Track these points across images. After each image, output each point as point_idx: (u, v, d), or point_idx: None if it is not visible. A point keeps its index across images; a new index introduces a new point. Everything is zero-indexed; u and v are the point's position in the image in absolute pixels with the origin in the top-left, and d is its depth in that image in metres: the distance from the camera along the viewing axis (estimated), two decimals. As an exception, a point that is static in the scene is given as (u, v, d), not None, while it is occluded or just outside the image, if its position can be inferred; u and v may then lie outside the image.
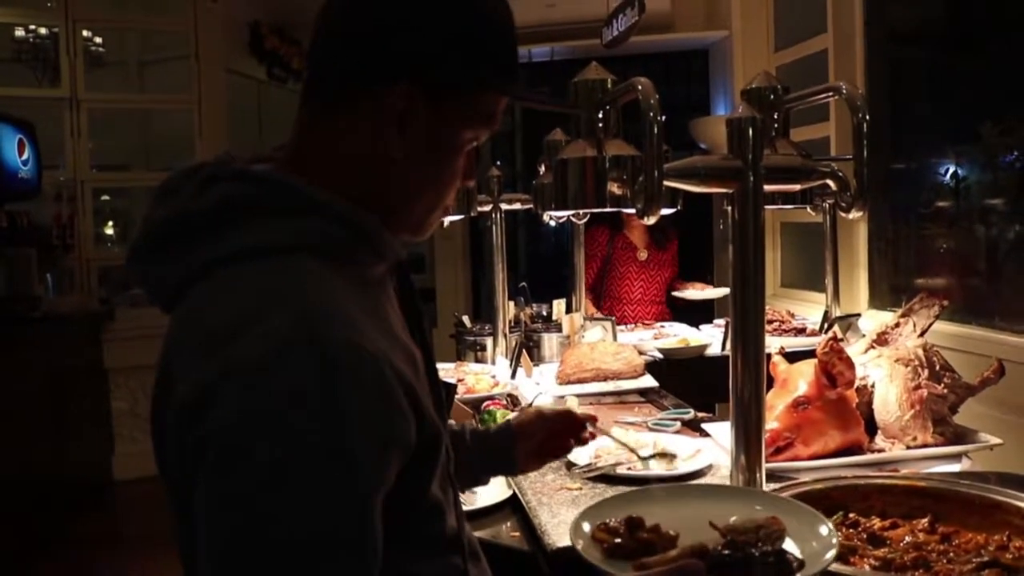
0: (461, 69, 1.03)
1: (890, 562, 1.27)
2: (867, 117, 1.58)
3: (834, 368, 1.84)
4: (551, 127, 2.61)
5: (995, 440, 1.91)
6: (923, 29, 3.71)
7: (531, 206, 3.00)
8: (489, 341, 3.42)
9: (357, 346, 0.87)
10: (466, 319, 3.95)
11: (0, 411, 4.43)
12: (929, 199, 3.55)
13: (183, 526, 0.92)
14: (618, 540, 1.16)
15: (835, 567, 1.19)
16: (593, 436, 1.69)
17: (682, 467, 1.93)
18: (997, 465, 1.86)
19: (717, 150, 4.82)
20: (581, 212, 3.25)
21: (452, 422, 1.57)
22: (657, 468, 1.93)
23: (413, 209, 1.09)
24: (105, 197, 6.79)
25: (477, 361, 3.43)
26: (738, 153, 1.54)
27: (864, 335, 2.36)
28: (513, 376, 2.96)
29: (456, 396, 2.52)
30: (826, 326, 3.43)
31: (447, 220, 3.01)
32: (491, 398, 2.53)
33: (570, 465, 2.00)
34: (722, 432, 2.00)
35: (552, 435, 1.57)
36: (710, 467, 1.96)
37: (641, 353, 3.05)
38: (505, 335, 3.33)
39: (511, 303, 3.46)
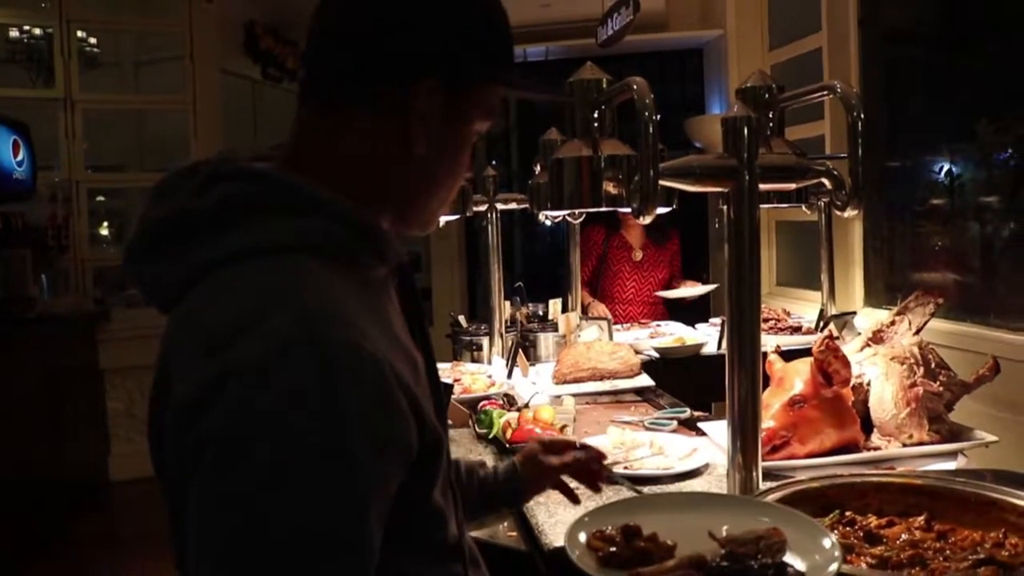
0: (477, 64, 1.06)
1: (887, 560, 1.27)
2: (862, 116, 1.58)
3: (830, 366, 1.84)
4: (547, 127, 2.61)
5: (991, 437, 1.92)
6: (917, 27, 3.71)
7: (527, 206, 3.00)
8: (485, 341, 3.42)
9: (357, 346, 0.87)
10: (462, 319, 3.94)
11: (-4, 412, 4.43)
12: (924, 197, 3.56)
13: (179, 527, 0.91)
14: (613, 549, 1.14)
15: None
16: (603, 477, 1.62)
17: (678, 466, 1.93)
18: (993, 463, 1.86)
19: (712, 149, 4.82)
20: (577, 212, 3.25)
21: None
22: (654, 467, 1.93)
23: (428, 203, 1.11)
24: (100, 198, 6.77)
25: (473, 361, 3.43)
26: (733, 152, 1.55)
27: (860, 333, 2.36)
28: (509, 376, 2.96)
29: (452, 396, 2.52)
30: (822, 324, 3.43)
31: (443, 220, 3.01)
32: (487, 398, 2.53)
33: (567, 464, 2.00)
34: (718, 431, 2.00)
35: (561, 476, 1.55)
36: (707, 466, 1.97)
37: (637, 352, 3.05)
38: (501, 335, 3.33)
39: (507, 303, 3.46)
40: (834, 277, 3.61)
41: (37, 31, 5.85)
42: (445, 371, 2.97)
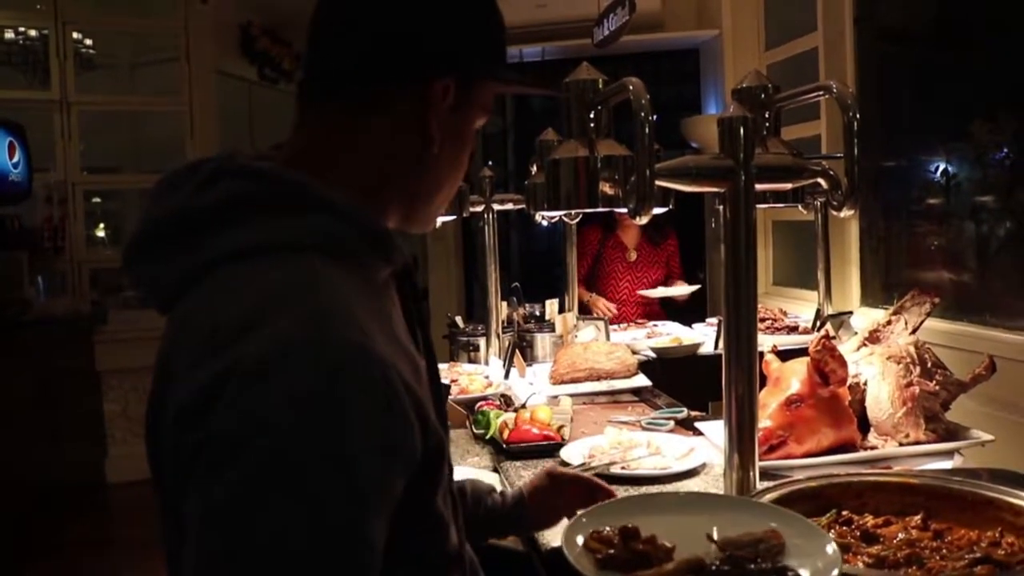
0: (486, 62, 1.08)
1: (883, 559, 1.27)
2: (857, 115, 1.58)
3: (826, 366, 1.84)
4: (543, 127, 2.61)
5: (987, 436, 1.92)
6: (913, 27, 3.72)
7: (523, 206, 3.00)
8: (482, 341, 3.42)
9: (364, 348, 0.85)
10: (459, 319, 3.94)
11: (-8, 415, 4.43)
12: (920, 197, 3.56)
13: (173, 529, 0.90)
14: (611, 551, 1.12)
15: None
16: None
17: (675, 466, 1.93)
18: (989, 461, 1.86)
19: (708, 149, 4.83)
20: (573, 212, 3.25)
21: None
22: (651, 467, 1.93)
23: (434, 202, 1.12)
24: (96, 199, 6.78)
25: (470, 362, 3.43)
26: (729, 152, 1.55)
27: (856, 333, 2.36)
28: (506, 376, 2.96)
29: (449, 397, 2.52)
30: (818, 324, 3.43)
31: (440, 220, 3.01)
32: (485, 399, 2.53)
33: (564, 465, 2.01)
34: (715, 431, 2.00)
35: (570, 505, 1.52)
36: (704, 466, 1.97)
37: (634, 352, 3.05)
38: (498, 335, 3.33)
39: (504, 303, 3.46)
40: (830, 277, 3.61)
41: (33, 32, 5.85)
42: (442, 372, 2.96)
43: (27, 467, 4.73)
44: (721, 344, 1.59)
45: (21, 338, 4.96)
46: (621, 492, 1.70)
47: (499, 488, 1.81)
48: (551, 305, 3.75)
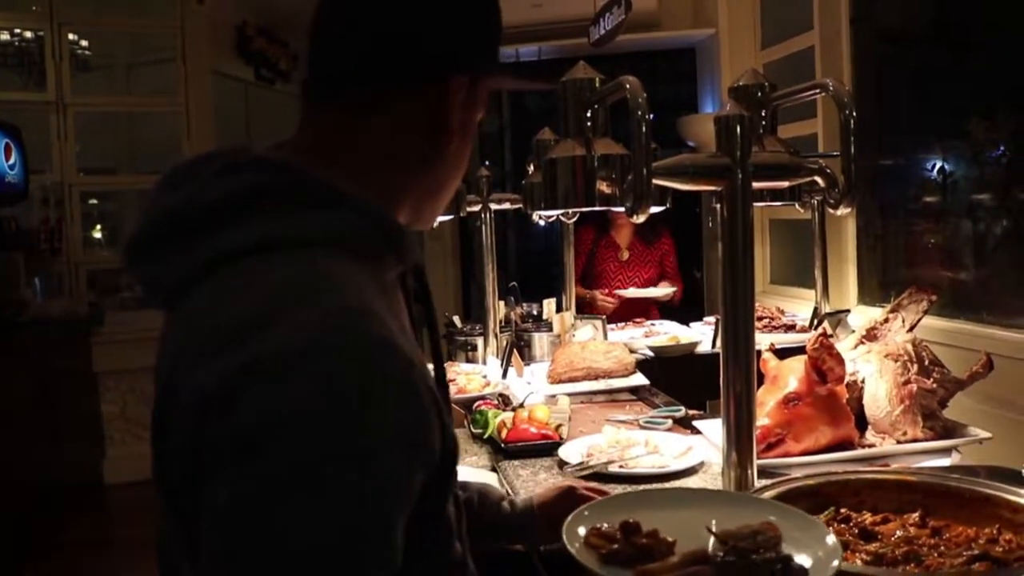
0: (492, 59, 1.08)
1: (881, 556, 1.27)
2: (854, 113, 1.59)
3: (824, 364, 1.84)
4: (539, 127, 2.61)
5: (984, 434, 1.92)
6: (909, 25, 3.72)
7: (520, 206, 3.00)
8: (480, 341, 3.42)
9: (390, 344, 0.83)
10: (456, 319, 3.94)
11: (-11, 416, 4.42)
12: (917, 195, 3.56)
13: (174, 533, 0.89)
14: (615, 546, 1.11)
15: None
16: None
17: (673, 464, 1.93)
18: (987, 459, 1.87)
19: (705, 148, 4.83)
20: (570, 211, 3.25)
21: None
22: (649, 466, 1.93)
23: (442, 199, 1.11)
24: (93, 201, 6.76)
25: (468, 361, 3.43)
26: (726, 150, 1.55)
27: (853, 331, 2.36)
28: (504, 376, 2.96)
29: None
30: (816, 322, 3.44)
31: (437, 220, 3.01)
32: (482, 398, 2.53)
33: (562, 464, 2.01)
34: (713, 429, 2.00)
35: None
36: (702, 464, 1.97)
37: (632, 351, 3.05)
38: (496, 335, 3.33)
39: (501, 303, 3.46)
40: (828, 275, 3.61)
41: (28, 34, 5.84)
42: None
43: (25, 468, 4.72)
44: (719, 343, 1.59)
45: (18, 339, 4.96)
46: (619, 491, 1.70)
47: (497, 481, 1.81)
48: (549, 304, 3.75)
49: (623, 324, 4.00)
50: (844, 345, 2.12)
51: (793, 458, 1.84)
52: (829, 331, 2.04)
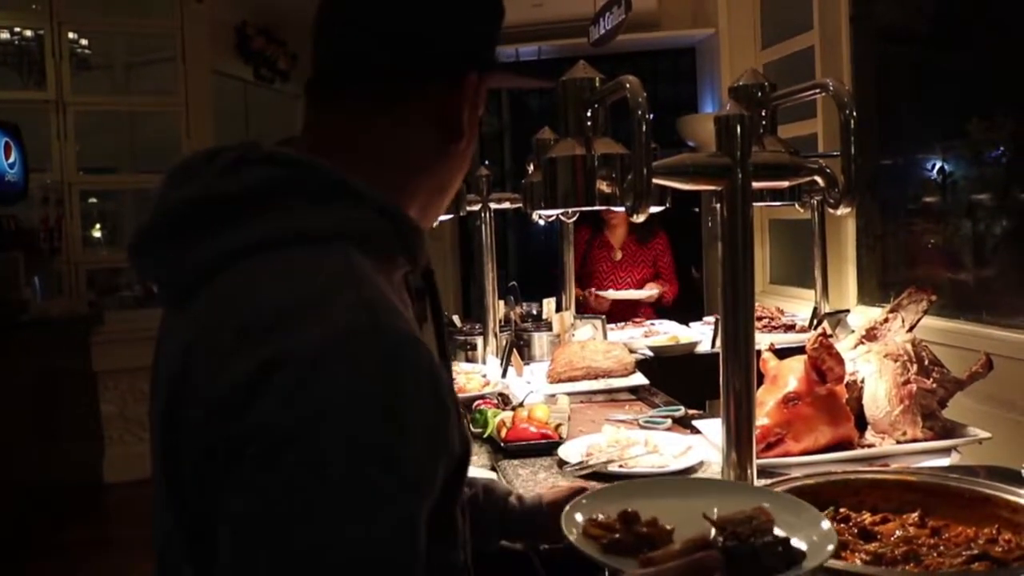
0: (495, 56, 1.08)
1: (881, 556, 1.27)
2: (854, 113, 1.59)
3: (824, 364, 1.84)
4: (539, 127, 2.61)
5: (984, 434, 1.92)
6: (909, 25, 3.72)
7: (520, 205, 3.00)
8: (479, 340, 3.42)
9: (417, 340, 0.83)
10: (456, 318, 3.94)
11: (-11, 416, 4.42)
12: (917, 195, 3.57)
13: (176, 534, 0.88)
14: (617, 535, 1.11)
15: (827, 562, 1.19)
16: None
17: (673, 464, 1.93)
18: (986, 459, 1.87)
19: (705, 148, 4.83)
20: (570, 211, 3.25)
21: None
22: (649, 465, 1.93)
23: (448, 197, 1.11)
24: (92, 200, 6.77)
25: (468, 360, 3.43)
26: (726, 150, 1.54)
27: (853, 331, 2.36)
28: (504, 375, 2.96)
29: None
30: (815, 322, 3.44)
31: (438, 219, 3.01)
32: (482, 397, 2.53)
33: (562, 463, 2.01)
34: (713, 429, 2.00)
35: None
36: (701, 464, 1.97)
37: (632, 351, 3.05)
38: (495, 334, 3.33)
39: (501, 302, 3.46)
40: (827, 275, 3.62)
41: (28, 33, 5.83)
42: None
43: (25, 467, 4.72)
44: (718, 342, 1.59)
45: (18, 339, 4.96)
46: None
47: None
48: (548, 304, 3.75)
49: (623, 324, 4.00)
50: (844, 345, 2.12)
51: (792, 458, 1.84)
52: (829, 331, 2.04)
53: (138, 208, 6.88)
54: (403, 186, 1.02)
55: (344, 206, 0.92)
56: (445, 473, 0.86)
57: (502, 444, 2.16)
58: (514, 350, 3.02)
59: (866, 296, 3.93)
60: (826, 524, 1.14)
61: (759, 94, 1.91)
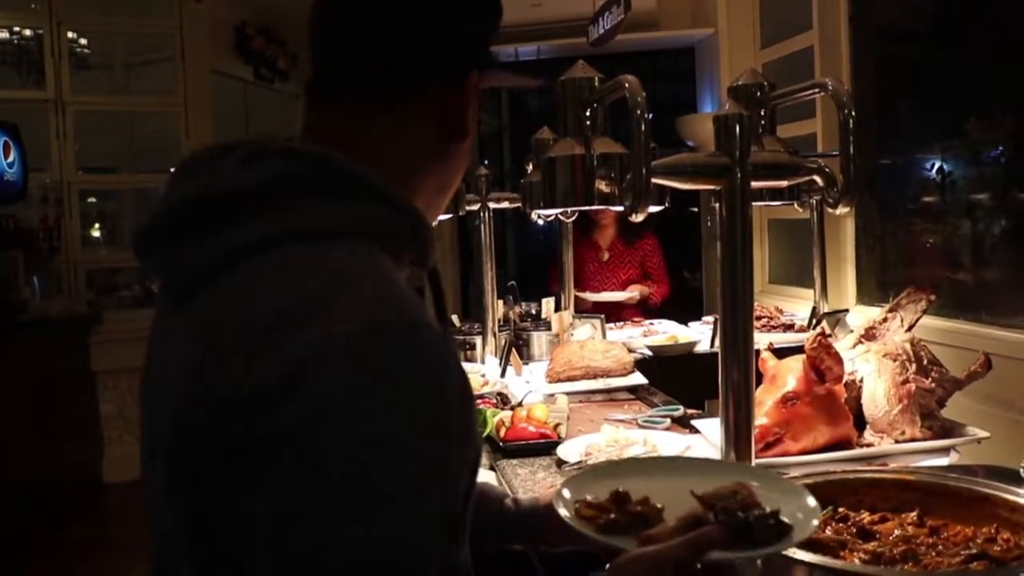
0: (492, 55, 1.08)
1: (879, 556, 1.27)
2: (853, 113, 1.59)
3: (822, 363, 1.84)
4: (539, 126, 2.61)
5: (983, 433, 1.92)
6: (908, 25, 3.72)
7: (519, 205, 3.00)
8: (478, 340, 3.42)
9: (443, 335, 0.84)
10: (455, 318, 3.94)
11: (-12, 415, 4.42)
12: (916, 195, 3.57)
13: (175, 535, 0.87)
14: (612, 516, 1.11)
15: (825, 561, 1.19)
16: None
17: (672, 464, 1.93)
18: (985, 458, 1.87)
19: (704, 147, 4.83)
20: (569, 210, 3.25)
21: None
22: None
23: (449, 195, 1.11)
24: (92, 199, 6.76)
25: (466, 360, 3.43)
26: (725, 150, 1.55)
27: (852, 330, 2.37)
28: (503, 375, 2.96)
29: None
30: (814, 322, 3.44)
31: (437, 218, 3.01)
32: (481, 397, 2.53)
33: (561, 463, 2.01)
34: (712, 428, 2.00)
35: None
36: (700, 463, 1.97)
37: (630, 351, 3.05)
38: (494, 334, 3.33)
39: (500, 302, 3.46)
40: (826, 275, 3.62)
41: (27, 32, 5.82)
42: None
43: (23, 468, 4.72)
44: (717, 342, 1.59)
45: (17, 339, 4.95)
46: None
47: (495, 479, 1.79)
48: (547, 303, 3.75)
49: (621, 324, 4.00)
50: (842, 345, 2.13)
51: (791, 457, 1.84)
52: (828, 330, 2.04)
53: (138, 208, 6.88)
54: (406, 186, 1.01)
55: (363, 203, 0.92)
56: (469, 468, 0.88)
57: (501, 444, 2.16)
58: (513, 350, 3.02)
59: (865, 296, 3.93)
60: (811, 500, 1.14)
61: (758, 94, 1.91)
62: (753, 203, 1.57)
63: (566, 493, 1.20)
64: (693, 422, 2.21)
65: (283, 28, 6.92)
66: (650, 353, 3.31)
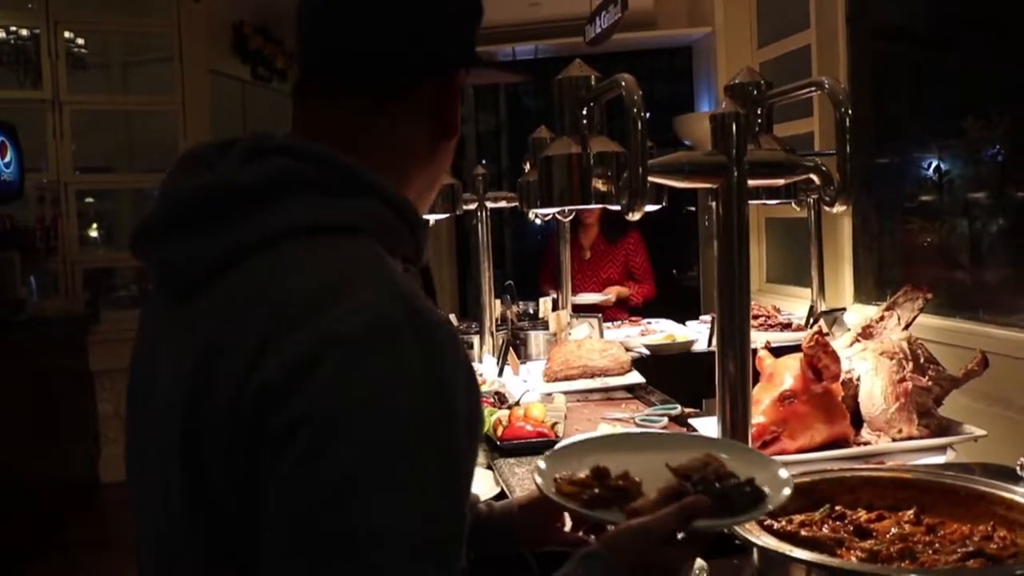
0: (475, 53, 1.08)
1: (876, 554, 1.27)
2: (850, 112, 1.59)
3: (820, 362, 1.85)
4: (536, 126, 2.61)
5: (979, 432, 1.92)
6: (905, 25, 3.73)
7: (516, 204, 3.00)
8: (476, 339, 3.42)
9: (452, 326, 0.85)
10: (453, 317, 3.94)
11: (-15, 415, 4.42)
12: (913, 193, 3.57)
13: (174, 534, 0.87)
14: (596, 490, 1.13)
15: (822, 559, 1.19)
16: None
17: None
18: (982, 456, 1.87)
19: (701, 146, 4.83)
20: (567, 209, 3.25)
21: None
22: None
23: (434, 194, 1.12)
24: (89, 199, 6.75)
25: (464, 359, 3.42)
26: (722, 149, 1.55)
27: (849, 329, 2.37)
28: (500, 374, 2.96)
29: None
30: (811, 320, 3.44)
31: (433, 218, 3.01)
32: (479, 396, 2.53)
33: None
34: (709, 427, 2.00)
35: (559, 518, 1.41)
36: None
37: (628, 350, 3.05)
38: (492, 333, 3.33)
39: (497, 301, 3.46)
40: (823, 273, 3.62)
41: (24, 32, 5.81)
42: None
43: (21, 467, 4.71)
44: (714, 341, 1.59)
45: (14, 339, 4.94)
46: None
47: (493, 479, 1.78)
48: (544, 303, 3.75)
49: (619, 323, 4.00)
50: (840, 343, 2.13)
51: (788, 456, 1.84)
52: (825, 329, 2.04)
53: (135, 208, 6.87)
54: (398, 182, 1.01)
55: (363, 199, 0.93)
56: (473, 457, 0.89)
57: (498, 443, 2.16)
58: (510, 349, 3.02)
59: (862, 294, 3.93)
60: (784, 472, 1.17)
61: (755, 92, 1.91)
62: (750, 202, 1.57)
63: (543, 471, 1.21)
64: (690, 421, 2.22)
65: (281, 27, 6.91)
66: (647, 352, 3.32)
